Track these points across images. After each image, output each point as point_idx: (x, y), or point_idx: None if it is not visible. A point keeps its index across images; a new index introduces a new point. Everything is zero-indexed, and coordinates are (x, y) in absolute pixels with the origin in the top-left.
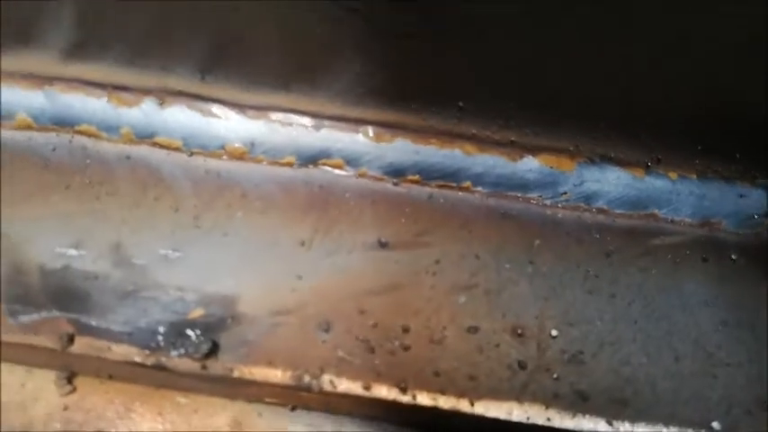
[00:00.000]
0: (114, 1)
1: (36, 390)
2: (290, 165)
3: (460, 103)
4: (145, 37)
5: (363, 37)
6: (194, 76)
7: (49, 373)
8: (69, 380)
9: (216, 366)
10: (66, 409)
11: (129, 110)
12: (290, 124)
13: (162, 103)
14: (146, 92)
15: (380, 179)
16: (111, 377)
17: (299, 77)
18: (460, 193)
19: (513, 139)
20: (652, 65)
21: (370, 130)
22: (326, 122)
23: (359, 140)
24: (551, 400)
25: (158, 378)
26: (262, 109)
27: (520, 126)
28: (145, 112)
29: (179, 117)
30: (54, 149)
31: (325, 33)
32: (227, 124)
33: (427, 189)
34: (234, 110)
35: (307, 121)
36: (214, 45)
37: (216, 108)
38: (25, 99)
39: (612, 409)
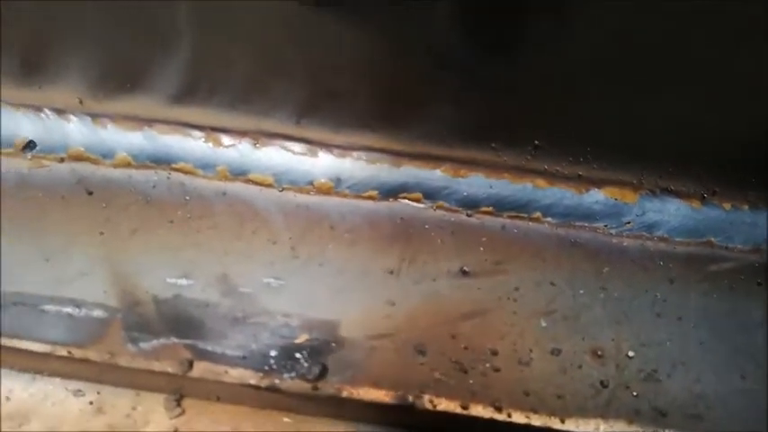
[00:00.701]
0: (223, 52)
1: (146, 413)
2: (372, 198)
3: (536, 142)
4: (249, 85)
5: (452, 86)
6: (290, 119)
7: (156, 395)
8: (178, 402)
9: (326, 388)
10: (176, 431)
11: (225, 150)
12: (374, 162)
13: (257, 144)
14: (243, 133)
15: (455, 211)
16: (218, 399)
17: (386, 121)
18: (531, 224)
19: (580, 173)
20: (709, 107)
21: (448, 166)
22: (407, 159)
23: (437, 175)
24: (633, 416)
25: (264, 399)
26: (348, 148)
27: (588, 162)
28: (240, 151)
29: (272, 156)
30: (154, 186)
31: (417, 84)
32: (316, 162)
33: (500, 220)
34: (323, 149)
35: (390, 158)
36: (311, 94)
37: (307, 148)
38: (125, 139)
39: (689, 424)
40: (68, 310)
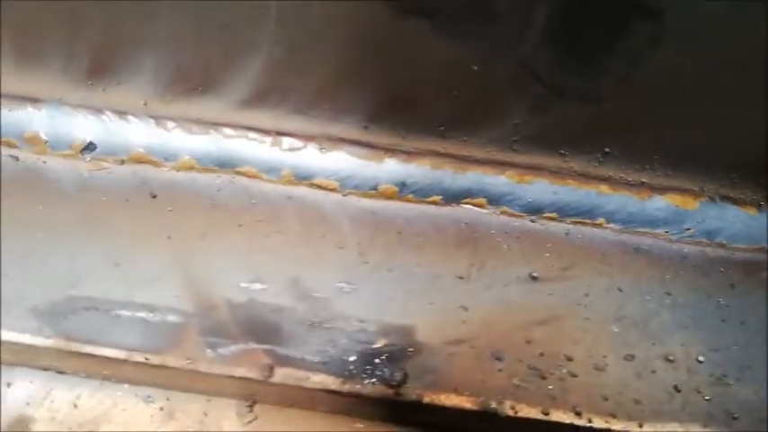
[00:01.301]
0: (300, 59)
1: (218, 418)
2: (435, 203)
3: (606, 149)
4: (321, 91)
5: (531, 94)
6: (358, 125)
7: (227, 401)
8: (251, 408)
9: (408, 393)
10: None
11: (291, 154)
12: (439, 167)
13: (323, 148)
14: (309, 138)
15: (519, 216)
16: (291, 404)
17: (457, 128)
18: (595, 230)
19: (644, 180)
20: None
21: (513, 172)
22: (473, 165)
23: (501, 181)
24: (707, 419)
25: (337, 404)
26: (414, 154)
27: (653, 169)
28: (306, 156)
29: (337, 161)
30: (219, 190)
31: (496, 92)
32: (382, 167)
33: (564, 225)
34: (388, 154)
35: (455, 163)
36: (383, 100)
37: (373, 153)
38: (190, 142)
39: (761, 428)
40: (142, 315)
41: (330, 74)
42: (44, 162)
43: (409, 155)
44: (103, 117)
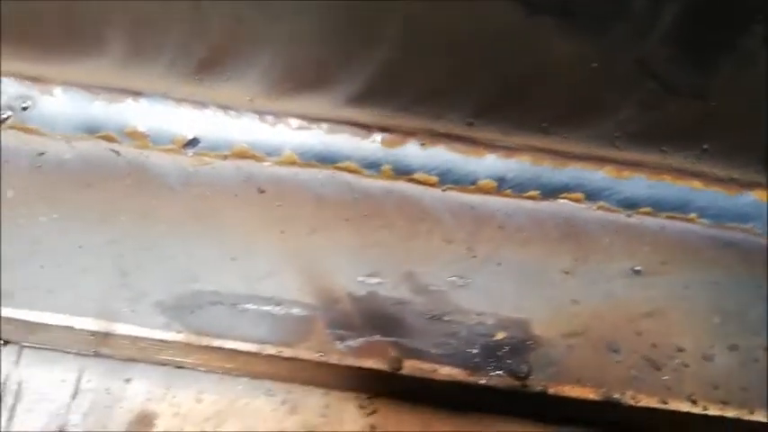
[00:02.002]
0: (419, 57)
1: (339, 411)
2: (533, 198)
3: (705, 146)
4: (430, 88)
5: (643, 92)
6: (462, 121)
7: (347, 394)
8: (371, 400)
9: (533, 385)
10: (373, 428)
11: (391, 150)
12: (539, 162)
13: (423, 144)
14: (410, 133)
15: (615, 211)
16: (412, 396)
17: (561, 124)
18: (688, 224)
19: (735, 176)
20: None
21: (612, 167)
22: (572, 160)
23: (599, 176)
24: None
25: (457, 396)
26: (515, 149)
27: (746, 166)
28: (407, 152)
29: (439, 156)
30: (322, 185)
31: (608, 90)
32: (481, 162)
33: (658, 220)
34: (489, 150)
35: (554, 159)
36: (492, 97)
37: (473, 148)
38: (292, 137)
39: None
40: (268, 308)
41: (443, 71)
42: (146, 157)
43: (510, 150)
44: (207, 112)
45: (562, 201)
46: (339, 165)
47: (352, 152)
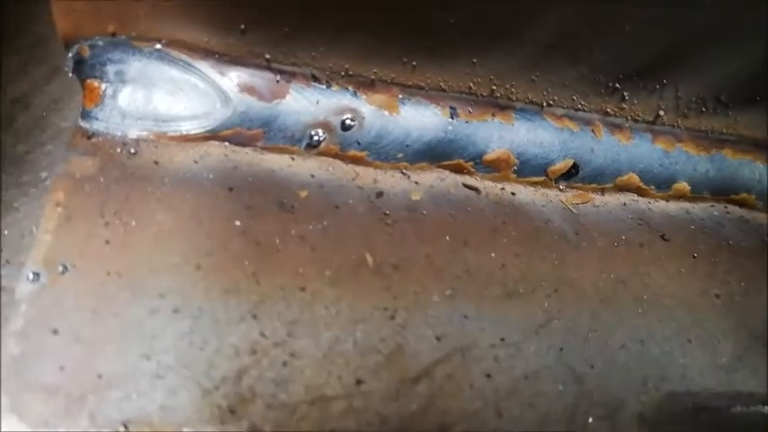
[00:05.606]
0: None
1: None
2: None
3: None
4: None
5: None
6: None
7: None
8: None
9: None
10: None
11: None
12: None
13: None
14: None
15: None
16: None
17: None
18: None
19: None
20: None
21: None
22: None
23: None
24: None
25: None
26: None
27: None
28: None
29: None
30: (719, 223)
31: None
32: None
33: None
34: None
35: None
36: None
37: None
38: (689, 163)
39: None
40: None
41: None
42: (512, 194)
43: None
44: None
45: None
46: (734, 197)
47: (747, 181)
